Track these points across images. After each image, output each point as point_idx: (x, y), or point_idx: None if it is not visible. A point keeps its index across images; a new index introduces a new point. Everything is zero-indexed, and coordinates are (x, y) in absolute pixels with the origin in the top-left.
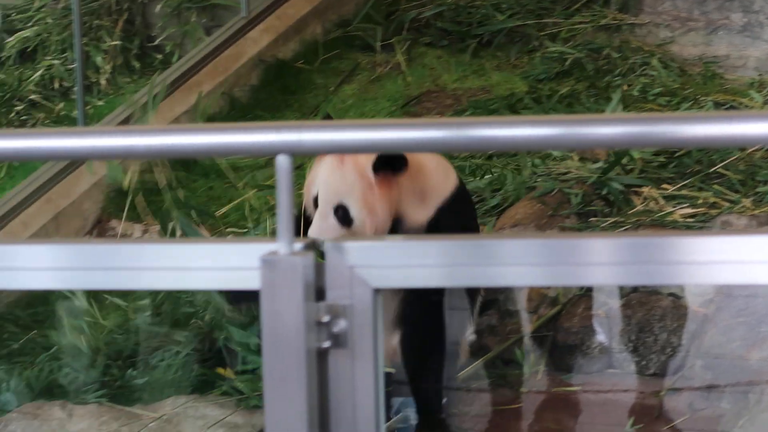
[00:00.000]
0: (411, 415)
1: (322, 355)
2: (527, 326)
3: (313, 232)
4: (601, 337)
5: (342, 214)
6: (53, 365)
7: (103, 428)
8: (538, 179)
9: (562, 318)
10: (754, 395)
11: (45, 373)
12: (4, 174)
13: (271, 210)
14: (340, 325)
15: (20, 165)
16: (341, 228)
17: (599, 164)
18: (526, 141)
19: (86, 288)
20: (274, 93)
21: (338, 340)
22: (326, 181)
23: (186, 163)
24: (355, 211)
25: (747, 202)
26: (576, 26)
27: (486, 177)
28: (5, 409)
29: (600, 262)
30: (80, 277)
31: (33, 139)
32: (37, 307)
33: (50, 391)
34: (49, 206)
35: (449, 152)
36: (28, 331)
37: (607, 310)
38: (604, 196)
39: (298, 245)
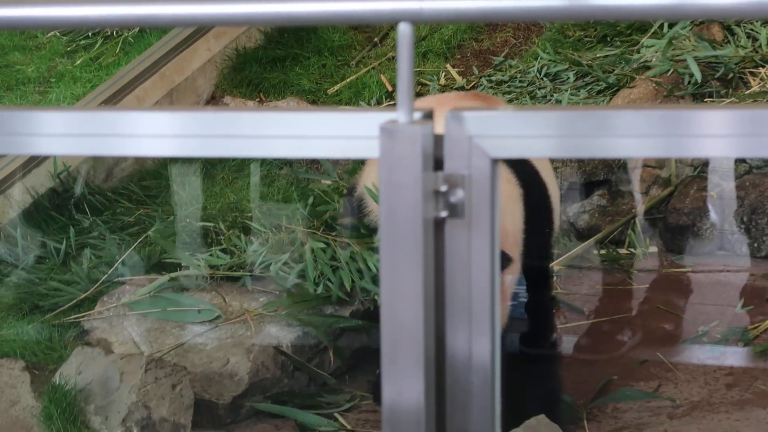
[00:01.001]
0: (521, 292)
1: (438, 225)
2: (639, 207)
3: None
4: (713, 218)
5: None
6: (165, 239)
7: (214, 301)
8: (654, 59)
9: (674, 199)
10: None
11: (158, 247)
12: (119, 50)
13: (384, 88)
14: (458, 195)
15: (135, 41)
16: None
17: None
18: (643, 9)
19: (203, 155)
20: None
21: (455, 210)
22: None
23: (300, 40)
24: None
25: None
26: None
27: (600, 55)
28: (118, 281)
29: (717, 133)
30: (197, 144)
31: (153, 5)
32: (150, 182)
33: (162, 265)
34: (163, 82)
35: (570, 20)
36: (141, 206)
37: (719, 192)
38: (720, 76)
39: (418, 114)
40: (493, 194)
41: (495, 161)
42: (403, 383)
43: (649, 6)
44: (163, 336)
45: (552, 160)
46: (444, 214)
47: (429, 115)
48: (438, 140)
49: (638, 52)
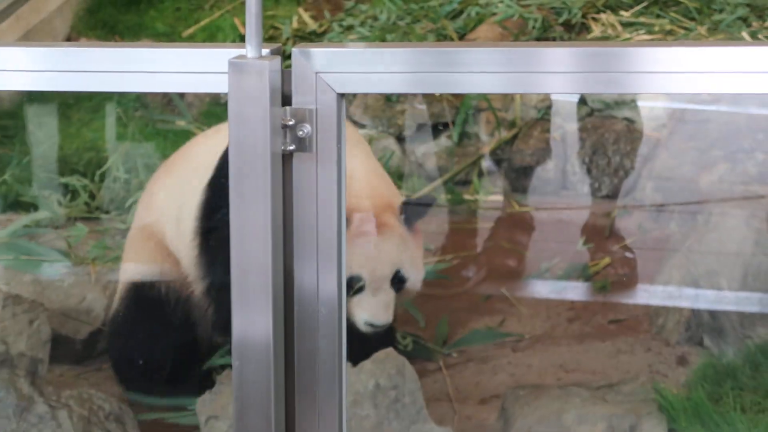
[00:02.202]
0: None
1: (286, 159)
2: (484, 148)
3: (381, 316)
4: (555, 159)
5: (397, 280)
6: (23, 179)
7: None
8: (500, 4)
9: (519, 141)
10: (702, 216)
11: (15, 186)
12: None
13: (237, 31)
14: (305, 129)
15: None
16: (396, 294)
17: None
18: None
19: (58, 89)
20: None
21: (302, 144)
22: (371, 256)
23: None
24: (409, 271)
25: (702, 29)
26: None
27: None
28: None
29: (561, 70)
30: (51, 78)
31: None
32: (7, 122)
33: (18, 205)
34: (19, 24)
35: None
36: None
37: (562, 134)
38: (564, 21)
39: (266, 50)
40: (339, 129)
41: (341, 96)
42: (252, 313)
43: None
44: (20, 273)
45: (401, 101)
46: (291, 147)
47: (277, 51)
48: (286, 75)
49: None
